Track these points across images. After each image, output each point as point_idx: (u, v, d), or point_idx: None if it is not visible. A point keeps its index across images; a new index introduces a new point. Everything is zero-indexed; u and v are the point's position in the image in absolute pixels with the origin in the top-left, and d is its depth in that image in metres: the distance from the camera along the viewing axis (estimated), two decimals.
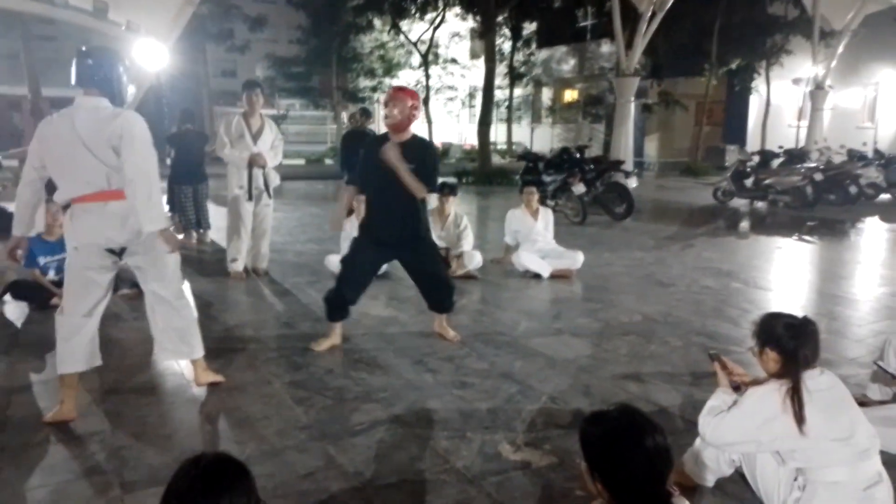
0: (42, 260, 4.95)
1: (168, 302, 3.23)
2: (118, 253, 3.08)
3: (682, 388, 3.46)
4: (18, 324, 4.47)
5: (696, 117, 22.46)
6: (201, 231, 7.67)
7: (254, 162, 5.57)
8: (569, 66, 27.38)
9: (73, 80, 2.99)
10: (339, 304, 3.98)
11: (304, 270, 6.16)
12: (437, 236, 5.94)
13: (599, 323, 4.67)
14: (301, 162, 21.48)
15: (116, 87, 3.03)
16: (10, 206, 7.90)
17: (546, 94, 29.20)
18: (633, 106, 14.05)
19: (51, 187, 3.07)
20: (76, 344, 3.05)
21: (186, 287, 5.36)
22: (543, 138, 26.83)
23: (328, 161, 22.09)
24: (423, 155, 3.81)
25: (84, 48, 3.05)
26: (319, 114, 32.23)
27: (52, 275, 4.93)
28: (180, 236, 7.66)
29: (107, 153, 2.90)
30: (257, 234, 5.86)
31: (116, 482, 2.49)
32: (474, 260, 5.89)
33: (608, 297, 5.40)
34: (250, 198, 5.69)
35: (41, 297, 4.81)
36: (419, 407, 3.21)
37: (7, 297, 4.81)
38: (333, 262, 5.91)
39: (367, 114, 8.28)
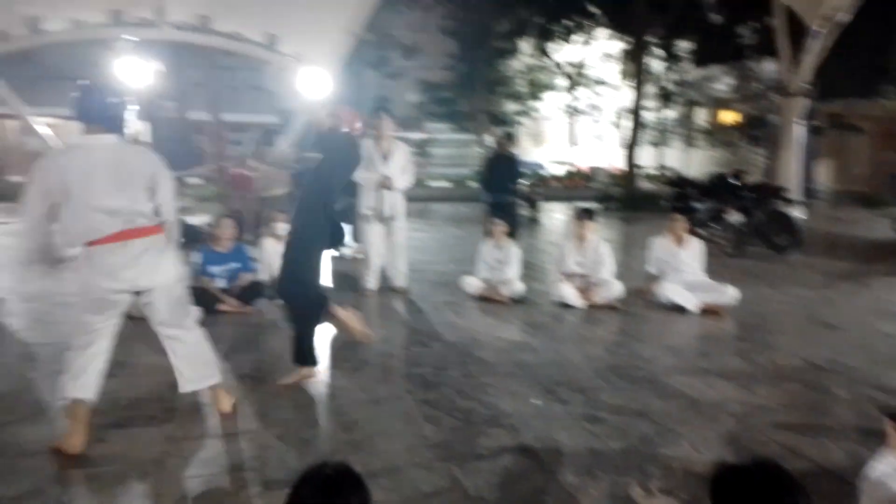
0: (212, 269, 5.47)
1: (179, 339, 3.18)
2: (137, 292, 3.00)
3: (845, 445, 3.09)
4: None
5: (875, 142, 20.23)
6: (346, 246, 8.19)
7: (382, 184, 5.80)
8: (727, 85, 25.89)
9: (77, 115, 2.87)
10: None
11: (442, 290, 6.29)
12: (575, 262, 5.84)
13: (752, 365, 4.29)
14: (446, 184, 22.07)
15: (121, 123, 2.96)
16: (193, 220, 8.88)
17: (701, 116, 27.80)
18: (799, 129, 12.95)
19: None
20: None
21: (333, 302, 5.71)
22: (697, 162, 25.49)
23: (471, 184, 22.49)
24: None
25: (87, 83, 2.96)
26: (465, 137, 33.00)
27: (220, 283, 5.43)
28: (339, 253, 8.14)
29: (135, 192, 2.87)
30: (391, 254, 6.06)
31: (258, 479, 2.67)
32: (614, 289, 5.69)
33: (764, 337, 4.96)
34: (378, 219, 5.92)
35: (210, 304, 5.30)
36: (547, 437, 3.14)
37: None
38: (470, 283, 5.99)
39: (510, 138, 8.42)
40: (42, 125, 11.90)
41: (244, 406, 3.45)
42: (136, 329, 4.75)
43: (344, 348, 4.52)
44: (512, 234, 7.90)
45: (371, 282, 6.04)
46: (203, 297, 5.33)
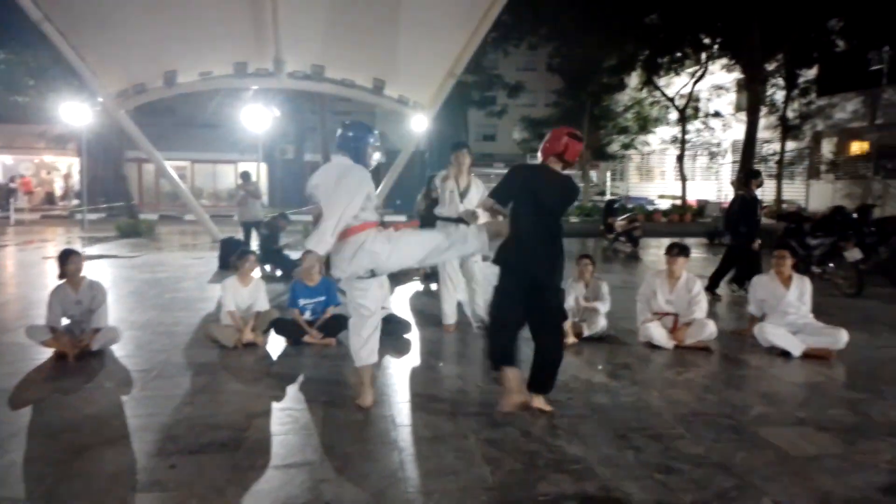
0: (301, 301, 5.69)
1: (360, 315, 3.89)
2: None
3: None
4: (274, 356, 5.17)
5: None
6: None
7: (459, 220, 5.74)
8: (857, 114, 24.03)
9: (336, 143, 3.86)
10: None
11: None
12: (666, 300, 5.55)
13: (859, 417, 3.86)
14: None
15: (359, 151, 3.80)
16: (295, 255, 9.34)
17: (826, 147, 25.91)
18: None
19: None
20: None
21: (414, 335, 5.76)
22: (822, 196, 23.71)
23: (572, 219, 22.14)
24: None
25: (346, 122, 3.90)
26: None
27: (308, 315, 5.63)
28: (421, 287, 8.23)
29: (351, 198, 3.56)
30: (470, 290, 5.97)
31: None
32: (707, 329, 5.33)
33: (877, 386, 4.45)
34: None
35: (297, 334, 5.51)
36: (612, 487, 2.95)
37: (271, 331, 5.60)
38: None
39: (754, 175, 7.85)
40: (174, 168, 13.03)
41: (311, 437, 3.52)
42: (222, 357, 5.05)
43: (415, 383, 4.52)
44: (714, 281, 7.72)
45: (449, 317, 6.00)
46: (291, 328, 5.57)
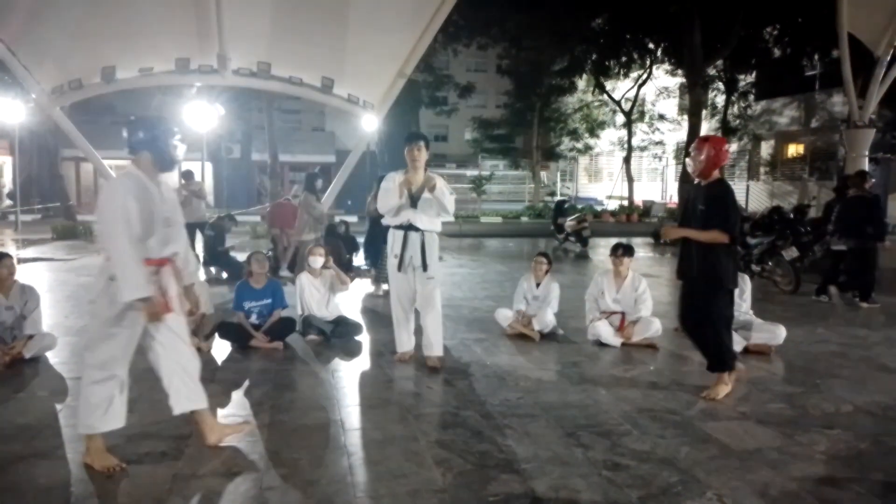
0: (247, 304, 5.55)
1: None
2: None
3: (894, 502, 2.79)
4: (219, 361, 5.02)
5: None
6: None
7: (412, 225, 4.74)
8: (792, 118, 25.05)
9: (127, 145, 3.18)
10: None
11: (474, 327, 6.18)
12: (612, 299, 5.65)
13: (796, 410, 4.00)
14: (498, 220, 22.02)
15: (161, 149, 3.16)
16: (242, 257, 9.11)
17: (765, 149, 26.93)
18: (867, 161, 12.37)
19: None
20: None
21: (365, 337, 5.65)
22: (760, 196, 24.59)
23: (524, 219, 22.38)
24: (710, 198, 4.09)
25: (133, 118, 3.26)
26: (520, 173, 33.06)
27: (254, 318, 5.49)
28: (372, 288, 8.14)
29: None
30: (423, 315, 4.81)
31: None
32: (652, 327, 5.44)
33: (813, 380, 4.63)
34: (407, 268, 4.77)
35: (242, 338, 5.37)
36: (561, 485, 2.97)
37: (215, 336, 5.45)
38: (503, 315, 5.85)
39: (866, 177, 7.53)
40: (113, 167, 12.58)
41: (256, 443, 3.43)
42: None
43: (366, 386, 4.47)
44: (866, 289, 7.37)
45: (404, 344, 4.98)
46: (236, 332, 5.42)
